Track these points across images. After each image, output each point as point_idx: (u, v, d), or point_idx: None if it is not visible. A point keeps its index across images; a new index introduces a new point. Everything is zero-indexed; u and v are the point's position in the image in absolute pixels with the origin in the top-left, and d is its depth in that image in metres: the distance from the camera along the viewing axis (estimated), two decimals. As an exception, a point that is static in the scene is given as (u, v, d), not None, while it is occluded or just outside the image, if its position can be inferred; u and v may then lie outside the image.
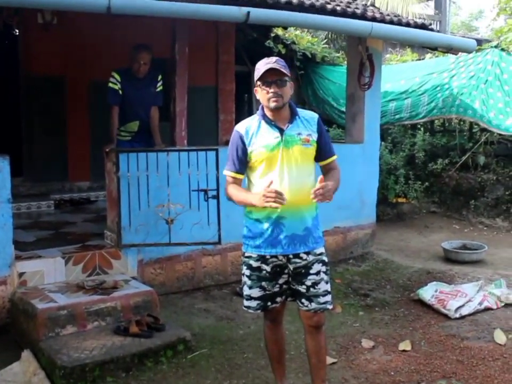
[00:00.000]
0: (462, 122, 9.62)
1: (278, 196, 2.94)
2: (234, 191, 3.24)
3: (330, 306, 3.35)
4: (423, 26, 6.36)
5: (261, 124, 3.24)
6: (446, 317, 4.97)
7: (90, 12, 4.25)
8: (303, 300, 3.29)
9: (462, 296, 5.16)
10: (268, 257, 3.23)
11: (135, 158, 4.89)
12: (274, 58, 3.16)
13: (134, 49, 5.54)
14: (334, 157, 3.38)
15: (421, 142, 9.38)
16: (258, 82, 3.17)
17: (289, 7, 5.13)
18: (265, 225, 3.20)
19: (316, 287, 3.26)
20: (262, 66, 3.14)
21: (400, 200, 9.08)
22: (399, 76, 9.55)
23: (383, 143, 8.85)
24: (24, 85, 7.65)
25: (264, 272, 3.27)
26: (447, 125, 10.03)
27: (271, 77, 3.12)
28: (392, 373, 4.01)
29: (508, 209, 8.68)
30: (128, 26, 6.62)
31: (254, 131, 3.23)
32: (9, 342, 4.39)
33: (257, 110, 3.32)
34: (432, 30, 6.72)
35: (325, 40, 12.40)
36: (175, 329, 4.32)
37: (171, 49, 5.44)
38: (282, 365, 3.60)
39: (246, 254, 3.32)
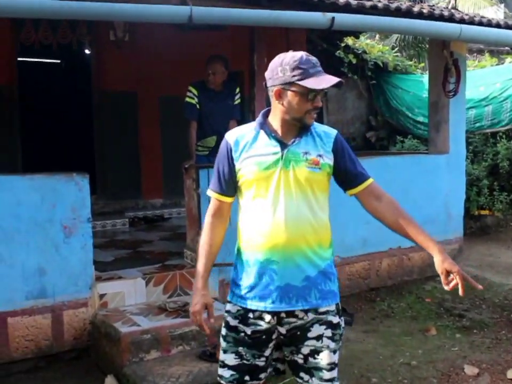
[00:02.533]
0: (547, 129, 9.09)
1: (200, 327, 2.43)
2: (205, 236, 2.50)
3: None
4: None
5: (258, 134, 2.46)
6: (556, 339, 4.56)
7: (171, 23, 4.10)
8: (302, 374, 2.44)
9: None
10: (250, 316, 2.42)
11: (216, 174, 4.71)
12: (314, 59, 2.39)
13: (207, 60, 5.40)
14: (370, 181, 2.52)
15: (504, 151, 8.89)
16: (298, 86, 2.33)
17: (374, 12, 4.85)
18: (252, 269, 2.42)
19: (317, 356, 2.41)
20: (308, 67, 2.34)
21: (483, 212, 8.62)
22: (478, 82, 9.12)
23: (465, 153, 8.45)
24: (96, 101, 7.67)
25: (242, 334, 2.44)
26: (531, 132, 9.51)
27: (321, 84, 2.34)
28: (504, 405, 3.66)
29: None
30: (198, 40, 6.53)
31: (247, 143, 2.45)
32: (91, 366, 4.27)
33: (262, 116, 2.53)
34: (523, 30, 6.31)
35: (395, 49, 12.05)
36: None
37: (249, 61, 5.26)
38: None
39: (227, 308, 2.51)
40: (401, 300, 5.52)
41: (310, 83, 2.31)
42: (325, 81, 2.33)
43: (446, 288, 2.40)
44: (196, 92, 5.38)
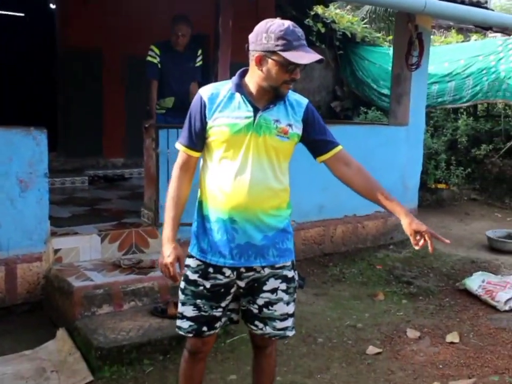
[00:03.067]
0: (507, 107, 9.28)
1: (172, 278, 2.53)
2: (173, 189, 2.57)
3: (290, 333, 2.71)
4: (477, 4, 6.06)
5: (233, 96, 2.48)
6: (495, 309, 4.74)
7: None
8: (256, 322, 2.64)
9: (511, 288, 4.92)
10: (210, 270, 2.54)
11: (175, 134, 4.73)
12: (300, 31, 2.38)
13: (173, 20, 5.37)
14: (339, 148, 2.61)
15: (463, 126, 9.08)
16: (279, 57, 2.34)
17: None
18: (215, 225, 2.51)
19: (271, 308, 2.60)
20: (292, 39, 2.34)
21: (440, 186, 8.80)
22: (443, 57, 9.24)
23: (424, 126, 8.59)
24: (61, 57, 7.56)
25: (201, 288, 2.56)
26: (491, 109, 9.70)
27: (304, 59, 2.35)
28: (441, 366, 3.82)
29: (553, 198, 8.38)
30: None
31: (222, 102, 2.48)
32: (43, 319, 4.29)
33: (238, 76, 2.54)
34: (486, 8, 6.40)
35: (365, 20, 12.07)
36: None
37: (214, 23, 5.24)
38: None
39: (187, 262, 2.60)
40: (353, 266, 5.66)
41: (292, 56, 2.34)
42: (307, 57, 2.37)
43: (416, 248, 2.54)
44: (157, 52, 5.37)
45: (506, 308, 4.72)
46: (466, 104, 9.07)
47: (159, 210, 4.85)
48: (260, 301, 2.59)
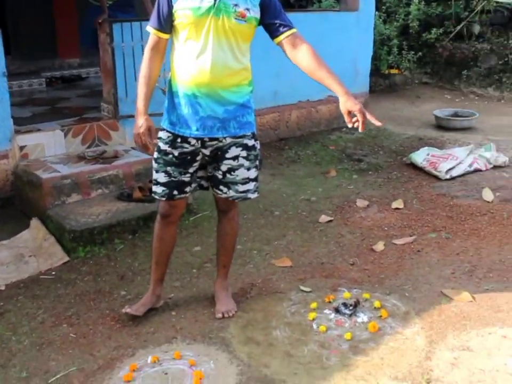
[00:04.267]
0: (458, -10, 9.40)
1: (144, 147, 2.85)
2: (144, 69, 2.85)
3: (252, 195, 3.03)
4: None
5: None
6: (437, 178, 5.14)
7: None
8: (221, 187, 2.97)
9: (453, 159, 5.31)
10: (178, 140, 2.86)
11: (129, 28, 4.84)
12: None
13: None
14: (293, 31, 2.81)
15: (415, 11, 9.20)
16: None
17: None
18: (182, 100, 2.82)
19: (233, 173, 2.92)
20: None
21: (392, 71, 9.04)
22: None
23: (376, 12, 8.68)
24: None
25: (170, 156, 2.89)
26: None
27: None
28: (386, 228, 4.23)
29: (500, 78, 8.69)
30: None
31: None
32: (16, 213, 4.51)
33: None
34: None
35: None
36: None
37: None
38: (161, 268, 3.19)
39: (159, 135, 2.92)
40: (308, 148, 5.98)
41: None
42: None
43: (349, 125, 2.74)
44: None
45: (447, 176, 5.12)
46: (416, -12, 9.14)
47: (118, 103, 5.02)
48: (224, 167, 2.92)
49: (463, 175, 5.17)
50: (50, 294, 3.46)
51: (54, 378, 2.72)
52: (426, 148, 5.69)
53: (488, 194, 4.76)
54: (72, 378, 2.72)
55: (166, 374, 2.75)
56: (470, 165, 5.27)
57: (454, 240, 4.06)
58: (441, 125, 6.89)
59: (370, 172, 5.37)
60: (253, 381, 2.66)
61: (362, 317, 3.15)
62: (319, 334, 3.02)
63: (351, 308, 3.17)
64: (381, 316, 3.14)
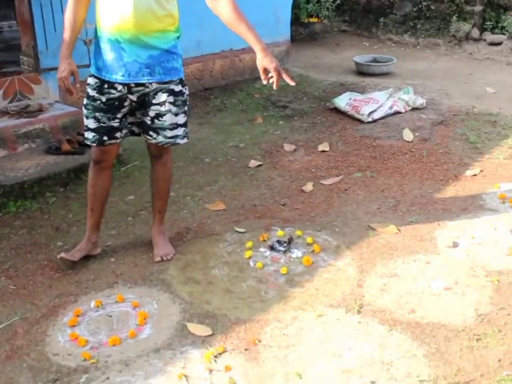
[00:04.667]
0: None
1: (67, 91, 2.91)
2: (69, 12, 2.88)
3: (182, 141, 3.08)
4: None
5: None
6: (360, 121, 5.32)
7: None
8: (151, 132, 3.02)
9: (374, 103, 5.49)
10: (105, 86, 2.89)
11: (44, -24, 4.68)
12: None
13: None
14: None
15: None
16: None
17: None
18: (106, 46, 2.84)
19: (161, 119, 2.97)
20: None
21: (312, 20, 9.12)
22: None
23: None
24: None
25: (98, 102, 2.92)
26: None
27: None
28: (314, 170, 4.38)
29: (415, 25, 8.92)
30: None
31: None
32: None
33: None
34: None
35: None
36: (106, 145, 4.46)
37: None
38: (96, 214, 3.22)
39: (88, 81, 2.94)
40: (233, 97, 6.03)
41: None
42: None
43: (264, 83, 2.82)
44: None
45: (370, 119, 5.31)
46: None
47: (39, 56, 4.88)
48: (151, 113, 2.96)
49: (384, 117, 5.37)
50: (-16, 249, 3.44)
51: (-2, 328, 2.74)
52: (348, 92, 5.84)
53: (408, 135, 4.98)
54: (16, 327, 2.75)
55: (111, 316, 2.82)
56: (390, 108, 5.48)
57: (378, 178, 4.26)
58: (361, 71, 7.07)
59: (295, 118, 5.49)
60: (196, 317, 2.77)
61: (296, 253, 3.30)
62: (256, 270, 3.15)
63: (285, 244, 3.32)
64: (313, 251, 3.31)
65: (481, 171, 4.34)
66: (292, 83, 2.81)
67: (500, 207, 3.80)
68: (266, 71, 2.78)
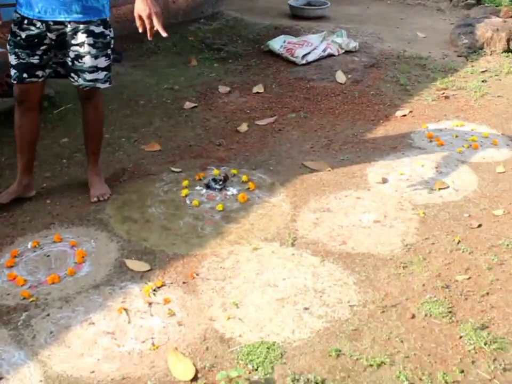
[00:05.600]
0: None
1: None
2: None
3: (103, 85, 3.03)
4: None
5: None
6: (294, 64, 5.36)
7: None
8: (72, 74, 2.98)
9: (308, 45, 5.53)
10: (25, 22, 2.84)
11: None
12: None
13: None
14: None
15: None
16: None
17: None
18: None
19: (80, 60, 2.92)
20: None
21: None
22: None
23: None
24: None
25: (18, 38, 2.87)
26: None
27: None
28: (248, 111, 4.43)
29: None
30: None
31: None
32: None
33: None
34: None
35: None
36: (37, 88, 4.36)
37: None
38: (25, 157, 3.18)
39: (12, 17, 2.91)
40: (167, 40, 5.89)
41: None
42: None
43: (140, 30, 2.71)
44: None
45: (303, 61, 5.36)
46: None
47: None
48: (71, 54, 2.93)
49: (317, 60, 5.43)
50: None
51: None
52: (282, 35, 5.85)
53: (341, 77, 5.07)
54: (-50, 269, 2.73)
55: (48, 256, 2.83)
56: (324, 50, 5.53)
57: (312, 119, 4.35)
58: (295, 14, 7.06)
59: (230, 60, 5.48)
60: (134, 254, 2.82)
61: (231, 190, 3.37)
62: (192, 208, 3.21)
63: (220, 182, 3.38)
64: (248, 188, 3.38)
65: (410, 112, 4.48)
66: (164, 34, 2.67)
67: (427, 146, 3.96)
68: (141, 18, 2.67)
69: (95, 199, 3.24)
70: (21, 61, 2.90)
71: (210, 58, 5.51)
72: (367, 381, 2.14)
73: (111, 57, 3.02)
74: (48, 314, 2.45)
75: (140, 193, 3.34)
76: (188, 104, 4.47)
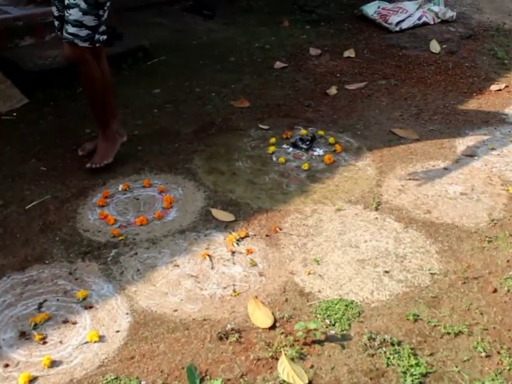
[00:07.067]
0: None
1: None
2: None
3: (82, 44, 2.83)
4: None
5: None
6: (387, 30, 5.27)
7: None
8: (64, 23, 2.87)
9: (403, 12, 5.41)
10: None
11: None
12: None
13: None
14: None
15: None
16: None
17: None
18: None
19: (68, 11, 2.78)
20: None
21: None
22: None
23: None
24: None
25: None
26: None
27: None
28: (338, 75, 4.40)
29: None
30: None
31: None
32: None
33: None
34: None
35: None
36: (133, 39, 4.48)
37: None
38: (105, 105, 3.15)
39: None
40: (260, -1, 5.96)
41: None
42: None
43: None
44: None
45: (397, 28, 5.25)
46: None
47: None
48: (65, 2, 2.79)
49: (412, 27, 5.31)
50: (15, 132, 3.52)
51: (31, 205, 2.86)
52: (377, 1, 5.73)
53: (435, 46, 4.94)
54: (47, 205, 2.87)
55: (138, 199, 2.94)
56: (419, 18, 5.40)
57: (402, 86, 4.27)
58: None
59: (322, 23, 5.44)
60: (220, 204, 2.89)
61: (318, 151, 3.38)
62: (278, 165, 3.25)
63: (307, 142, 3.39)
64: (335, 150, 3.38)
65: (506, 86, 4.33)
66: None
67: (522, 122, 3.84)
68: None
69: (88, 165, 3.12)
70: (60, 13, 2.93)
71: (301, 20, 5.48)
72: (443, 348, 2.13)
73: (102, 19, 2.86)
74: (135, 253, 2.56)
75: (227, 147, 3.40)
76: (278, 64, 4.48)
